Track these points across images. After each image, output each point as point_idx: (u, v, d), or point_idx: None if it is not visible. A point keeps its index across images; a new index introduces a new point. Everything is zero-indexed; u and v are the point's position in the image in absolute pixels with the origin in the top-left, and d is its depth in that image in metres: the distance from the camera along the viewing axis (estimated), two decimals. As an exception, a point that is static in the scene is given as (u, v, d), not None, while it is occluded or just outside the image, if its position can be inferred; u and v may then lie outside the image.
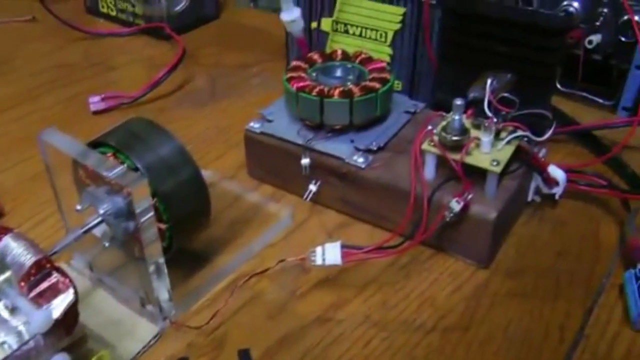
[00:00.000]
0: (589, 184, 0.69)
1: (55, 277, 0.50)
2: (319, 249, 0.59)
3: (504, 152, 0.62)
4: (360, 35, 0.82)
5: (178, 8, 1.09)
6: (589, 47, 0.86)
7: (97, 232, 0.57)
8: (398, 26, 0.79)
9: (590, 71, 0.89)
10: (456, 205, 0.60)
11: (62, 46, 1.10)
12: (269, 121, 0.73)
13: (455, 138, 0.61)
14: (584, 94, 0.90)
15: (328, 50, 0.82)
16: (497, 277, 0.63)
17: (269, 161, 0.73)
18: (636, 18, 0.86)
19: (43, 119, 0.90)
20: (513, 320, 0.59)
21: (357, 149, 0.68)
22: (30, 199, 0.74)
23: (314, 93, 0.67)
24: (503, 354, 0.56)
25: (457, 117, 0.61)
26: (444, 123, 0.62)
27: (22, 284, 0.49)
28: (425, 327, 0.58)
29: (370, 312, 0.60)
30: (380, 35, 0.80)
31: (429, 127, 0.63)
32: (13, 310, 0.51)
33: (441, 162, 0.63)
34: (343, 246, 0.59)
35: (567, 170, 0.67)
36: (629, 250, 0.64)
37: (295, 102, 0.69)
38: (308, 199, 0.70)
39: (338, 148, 0.68)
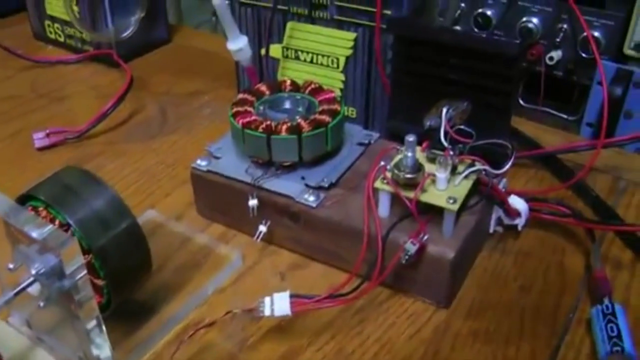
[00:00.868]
0: (552, 212, 0.66)
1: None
2: (267, 300, 0.56)
3: (462, 188, 0.59)
4: (311, 62, 0.79)
5: (126, 33, 1.05)
6: (550, 63, 0.84)
7: (32, 290, 0.53)
8: (350, 52, 0.76)
9: (553, 87, 0.87)
10: (412, 247, 0.57)
11: (9, 76, 1.06)
12: (217, 158, 0.69)
13: (408, 176, 0.58)
14: (547, 109, 0.88)
15: (280, 78, 0.80)
16: (458, 317, 0.61)
17: (218, 200, 0.70)
18: (596, 34, 0.85)
19: (-16, 158, 0.86)
20: (475, 365, 0.56)
21: (308, 187, 0.65)
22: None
23: (260, 129, 0.64)
24: (465, 404, 0.53)
25: (409, 154, 0.58)
26: (396, 159, 0.60)
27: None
28: (383, 376, 0.55)
29: (325, 361, 0.57)
30: (332, 61, 0.77)
31: (382, 163, 0.60)
32: None
33: (396, 198, 0.60)
34: (292, 295, 0.56)
35: (529, 199, 0.65)
36: (595, 283, 0.61)
37: (242, 138, 0.66)
38: (259, 239, 0.66)
39: (288, 186, 0.65)
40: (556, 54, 0.84)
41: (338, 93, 0.77)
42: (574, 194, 0.74)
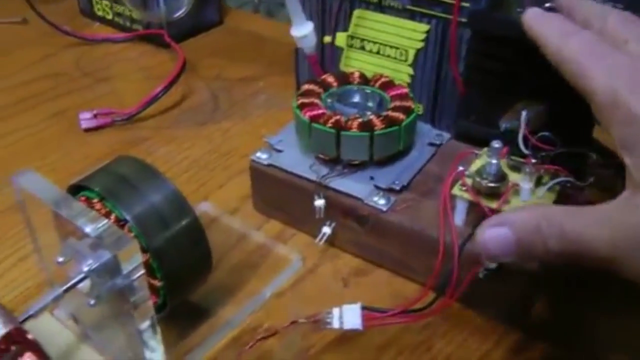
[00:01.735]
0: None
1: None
2: (336, 311, 0.52)
3: (545, 200, 0.54)
4: (378, 53, 0.74)
5: (178, 14, 1.00)
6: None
7: (81, 287, 0.49)
8: (421, 44, 0.71)
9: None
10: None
11: (53, 53, 1.02)
12: (278, 151, 0.65)
13: (491, 184, 0.53)
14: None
15: (342, 68, 0.75)
16: (533, 339, 0.56)
17: (278, 196, 0.65)
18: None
19: (27, 138, 0.82)
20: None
21: (377, 188, 0.60)
22: (10, 231, 0.67)
23: (329, 124, 0.60)
24: None
25: (494, 161, 0.53)
26: (478, 166, 0.55)
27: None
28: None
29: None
30: (401, 53, 0.73)
31: (460, 168, 0.56)
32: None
33: (472, 207, 0.55)
34: (364, 308, 0.52)
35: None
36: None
37: (308, 133, 0.61)
38: (321, 242, 0.62)
39: (356, 187, 0.60)
40: None
41: (408, 83, 0.72)
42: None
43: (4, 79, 0.95)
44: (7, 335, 0.42)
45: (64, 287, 0.48)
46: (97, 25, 1.12)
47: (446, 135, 0.67)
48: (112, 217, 0.48)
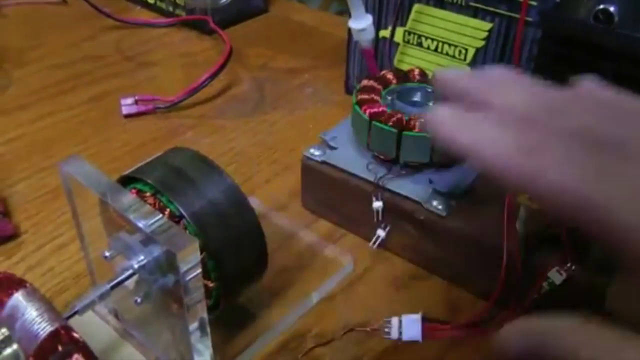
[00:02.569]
0: None
1: (75, 360, 0.39)
2: (394, 320, 0.50)
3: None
4: (435, 50, 0.72)
5: (225, 0, 0.98)
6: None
7: (127, 283, 0.47)
8: (481, 43, 0.68)
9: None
10: (557, 277, 0.49)
11: (93, 35, 1.00)
12: (332, 148, 0.62)
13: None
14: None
15: (396, 64, 0.72)
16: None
17: (330, 195, 0.62)
18: None
19: (67, 121, 0.80)
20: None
21: (437, 192, 0.57)
22: (50, 217, 0.65)
23: (390, 123, 0.57)
24: None
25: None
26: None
27: (34, 363, 0.39)
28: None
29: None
30: (460, 52, 0.70)
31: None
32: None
33: (536, 215, 0.52)
34: (424, 319, 0.49)
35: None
36: None
37: (367, 131, 0.59)
38: (375, 245, 0.59)
39: (415, 190, 0.57)
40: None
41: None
42: None
43: (43, 59, 0.94)
44: (54, 334, 0.40)
45: (111, 284, 0.45)
46: (139, 8, 1.10)
47: (506, 139, 0.64)
48: (166, 212, 0.45)
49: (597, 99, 0.34)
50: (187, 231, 0.45)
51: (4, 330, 0.41)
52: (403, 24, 0.73)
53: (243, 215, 0.48)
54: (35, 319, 0.41)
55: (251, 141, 0.77)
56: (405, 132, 0.57)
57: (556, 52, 0.60)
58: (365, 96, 0.61)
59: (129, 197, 0.44)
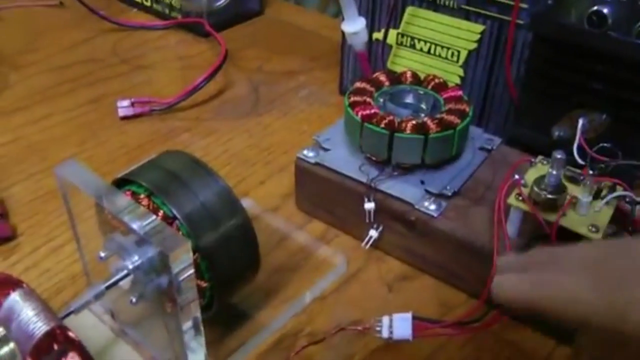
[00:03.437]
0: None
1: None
2: (385, 319, 0.50)
3: (603, 215, 0.51)
4: (428, 52, 0.72)
5: (220, 3, 0.98)
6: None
7: (122, 283, 0.48)
8: (474, 45, 0.69)
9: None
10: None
11: (90, 38, 1.01)
12: (325, 150, 0.63)
13: (550, 196, 0.51)
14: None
15: (390, 66, 0.73)
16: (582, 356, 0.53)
17: (324, 196, 0.63)
18: None
19: (64, 123, 0.81)
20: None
21: (428, 193, 0.58)
22: (47, 218, 0.66)
23: (382, 125, 0.58)
24: None
25: (555, 172, 0.51)
26: (534, 175, 0.52)
27: (30, 361, 0.40)
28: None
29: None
30: (452, 54, 0.71)
31: (516, 177, 0.53)
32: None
33: (526, 217, 0.53)
34: (415, 318, 0.50)
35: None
36: None
37: (359, 133, 0.59)
38: (367, 245, 0.60)
39: (407, 190, 0.58)
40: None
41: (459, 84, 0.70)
42: None
43: (39, 63, 0.94)
44: (50, 333, 0.40)
45: (106, 284, 0.46)
46: (135, 11, 1.10)
47: (497, 140, 0.65)
48: (160, 214, 0.46)
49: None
50: (180, 232, 0.46)
51: (1, 330, 0.42)
52: (396, 27, 0.73)
53: (235, 216, 0.49)
54: (31, 319, 0.41)
55: (246, 143, 0.77)
56: (396, 134, 0.57)
57: (547, 55, 0.62)
58: (357, 98, 0.61)
59: (123, 200, 0.45)
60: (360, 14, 0.72)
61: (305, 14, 1.13)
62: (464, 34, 0.69)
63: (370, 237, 0.60)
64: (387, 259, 0.61)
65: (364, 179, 0.59)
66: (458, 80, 0.71)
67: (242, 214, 0.49)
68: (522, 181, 0.53)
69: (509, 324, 0.55)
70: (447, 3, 0.69)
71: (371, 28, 0.75)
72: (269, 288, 0.58)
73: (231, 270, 0.49)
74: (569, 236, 0.51)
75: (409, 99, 0.64)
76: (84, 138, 0.78)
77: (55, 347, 0.40)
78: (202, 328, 0.46)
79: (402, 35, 0.73)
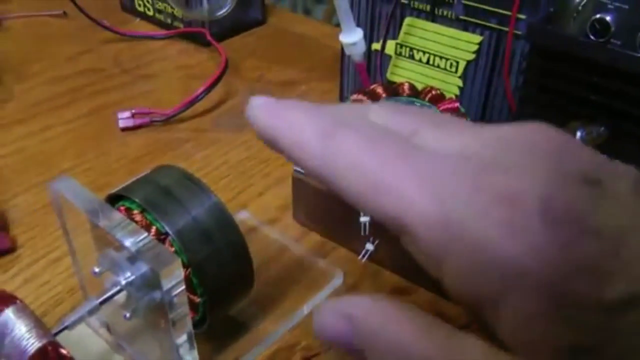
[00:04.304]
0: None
1: (61, 377, 0.40)
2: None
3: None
4: (427, 63, 0.72)
5: (221, 12, 0.98)
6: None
7: (117, 298, 0.48)
8: (472, 56, 0.69)
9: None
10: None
11: (92, 48, 1.01)
12: (322, 163, 0.63)
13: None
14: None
15: (389, 76, 0.73)
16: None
17: (320, 209, 0.63)
18: None
19: (65, 134, 0.81)
20: None
21: (425, 206, 0.58)
22: (46, 231, 0.66)
23: (377, 138, 0.58)
24: None
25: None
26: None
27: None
28: None
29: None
30: (451, 64, 0.70)
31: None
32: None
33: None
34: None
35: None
36: None
37: (355, 146, 0.59)
38: (364, 259, 0.60)
39: (402, 203, 0.58)
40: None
41: (456, 95, 0.70)
42: None
43: (42, 73, 0.94)
44: (42, 350, 0.41)
45: (100, 299, 0.46)
46: (138, 21, 1.10)
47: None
48: (153, 229, 0.46)
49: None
50: (173, 248, 0.46)
51: (-7, 347, 0.42)
52: (395, 37, 0.73)
53: (228, 232, 0.49)
54: (24, 335, 0.42)
55: (245, 154, 0.77)
56: (392, 147, 0.57)
57: (544, 66, 0.61)
58: (354, 111, 0.61)
59: (115, 216, 0.45)
60: (358, 24, 0.72)
61: (308, 23, 1.13)
62: (463, 45, 0.69)
63: (367, 250, 0.60)
64: (383, 272, 0.61)
65: (360, 192, 0.59)
66: (457, 91, 0.71)
67: (234, 230, 0.49)
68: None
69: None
70: (445, 13, 0.69)
71: (370, 38, 0.75)
72: (266, 301, 0.58)
73: (224, 286, 0.49)
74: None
75: (406, 111, 0.63)
76: (85, 149, 0.78)
77: (47, 365, 0.40)
78: (194, 342, 0.46)
79: (401, 46, 0.73)
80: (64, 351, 0.42)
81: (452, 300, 0.28)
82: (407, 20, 0.71)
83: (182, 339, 0.45)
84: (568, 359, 0.23)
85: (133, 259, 0.45)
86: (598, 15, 0.57)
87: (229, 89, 0.90)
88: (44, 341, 0.41)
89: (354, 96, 0.64)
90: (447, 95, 0.65)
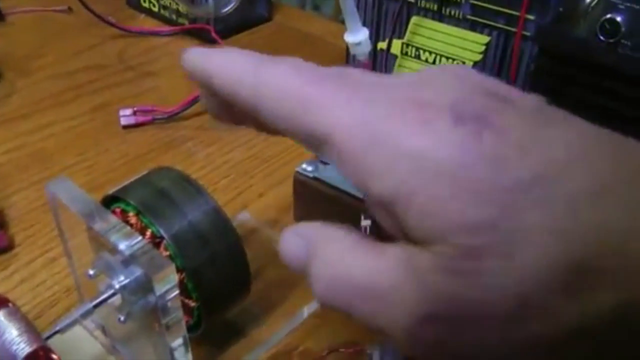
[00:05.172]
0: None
1: (51, 383, 0.39)
2: (378, 345, 0.49)
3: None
4: (433, 63, 0.71)
5: (227, 9, 0.97)
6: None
7: (112, 301, 0.47)
8: (479, 57, 0.68)
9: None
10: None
11: (96, 44, 1.00)
12: (324, 164, 0.62)
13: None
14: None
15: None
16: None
17: (321, 211, 0.62)
18: None
19: (67, 131, 0.80)
20: None
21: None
22: (44, 229, 0.65)
23: (379, 139, 0.56)
24: None
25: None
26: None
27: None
28: None
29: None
30: (457, 64, 0.69)
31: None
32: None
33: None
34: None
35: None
36: None
37: (357, 147, 0.58)
38: (364, 262, 0.59)
39: (403, 207, 0.57)
40: None
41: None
42: None
43: (47, 68, 0.94)
44: (32, 355, 0.40)
45: (94, 303, 0.45)
46: (143, 17, 1.09)
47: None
48: (148, 233, 0.46)
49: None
50: (168, 252, 0.45)
51: (-16, 351, 0.41)
52: (401, 36, 0.72)
53: (224, 236, 0.48)
54: (14, 339, 0.41)
55: (247, 154, 0.76)
56: (395, 149, 0.56)
57: (552, 69, 0.60)
58: (357, 112, 0.60)
59: (110, 219, 0.44)
60: (364, 23, 0.70)
61: (314, 21, 1.12)
62: (470, 45, 0.68)
63: (368, 253, 0.59)
64: (385, 276, 0.60)
65: (361, 195, 0.58)
66: (463, 92, 0.70)
67: (231, 234, 0.48)
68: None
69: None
70: (452, 13, 0.67)
71: (376, 37, 0.74)
72: (265, 303, 0.57)
73: (219, 290, 0.48)
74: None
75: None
76: (87, 147, 0.77)
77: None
78: (189, 346, 0.45)
79: (407, 45, 0.72)
80: (54, 356, 0.41)
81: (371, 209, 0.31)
82: (414, 19, 0.70)
83: (177, 342, 0.44)
84: (468, 236, 0.25)
85: (127, 262, 0.44)
86: (609, 16, 0.56)
87: (232, 87, 0.89)
88: (35, 346, 0.40)
89: (358, 96, 0.63)
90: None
